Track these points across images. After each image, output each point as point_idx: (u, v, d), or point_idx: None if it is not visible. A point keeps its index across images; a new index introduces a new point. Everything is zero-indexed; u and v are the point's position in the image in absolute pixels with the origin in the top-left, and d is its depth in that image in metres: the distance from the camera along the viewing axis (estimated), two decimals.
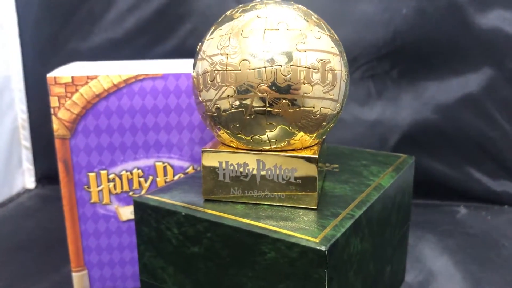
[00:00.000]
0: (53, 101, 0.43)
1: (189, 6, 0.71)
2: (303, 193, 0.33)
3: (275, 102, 0.31)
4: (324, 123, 0.33)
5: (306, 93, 0.31)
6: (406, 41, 0.68)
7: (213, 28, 0.34)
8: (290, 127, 0.32)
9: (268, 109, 0.31)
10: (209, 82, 0.32)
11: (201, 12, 0.71)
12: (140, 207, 0.36)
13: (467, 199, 0.70)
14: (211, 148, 0.34)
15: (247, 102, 0.31)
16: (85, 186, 0.45)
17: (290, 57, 0.31)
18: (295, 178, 0.33)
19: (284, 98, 0.31)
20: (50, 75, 0.43)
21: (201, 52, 0.34)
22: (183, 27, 0.72)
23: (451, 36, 0.66)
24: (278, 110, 0.31)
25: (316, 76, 0.31)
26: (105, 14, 0.73)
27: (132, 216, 0.46)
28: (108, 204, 0.46)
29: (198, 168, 0.47)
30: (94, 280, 0.47)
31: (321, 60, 0.31)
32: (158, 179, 0.46)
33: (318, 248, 0.28)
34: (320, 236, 0.29)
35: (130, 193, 0.46)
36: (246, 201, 0.34)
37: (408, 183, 0.45)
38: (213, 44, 0.33)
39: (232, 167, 0.34)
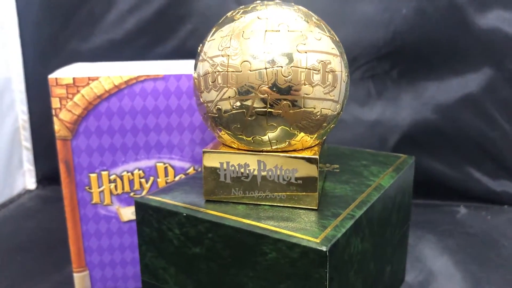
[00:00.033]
0: (55, 102, 0.43)
1: (189, 7, 0.71)
2: (304, 193, 0.33)
3: (276, 103, 0.31)
4: (325, 124, 0.33)
5: (306, 94, 0.31)
6: (406, 41, 0.68)
7: (214, 29, 0.34)
8: (291, 128, 0.32)
9: (269, 110, 0.31)
10: (210, 83, 0.32)
11: (201, 13, 0.71)
12: (142, 208, 0.36)
13: (467, 199, 0.70)
14: (212, 149, 0.34)
15: (248, 103, 0.31)
16: (86, 187, 0.45)
17: (290, 58, 0.31)
18: (296, 179, 0.33)
19: (284, 99, 0.31)
20: (51, 76, 0.43)
21: (202, 54, 0.34)
22: (184, 28, 0.72)
23: (451, 36, 0.66)
24: (279, 111, 0.31)
25: (316, 77, 0.31)
26: (105, 15, 0.73)
27: (133, 217, 0.46)
28: (109, 204, 0.46)
29: (199, 169, 0.47)
30: (96, 280, 0.47)
31: (322, 61, 0.32)
32: (159, 180, 0.46)
33: (319, 248, 0.28)
34: (321, 237, 0.29)
35: (131, 194, 0.46)
36: (247, 202, 0.35)
37: (408, 183, 0.45)
38: (214, 45, 0.33)
39: (233, 167, 0.34)
